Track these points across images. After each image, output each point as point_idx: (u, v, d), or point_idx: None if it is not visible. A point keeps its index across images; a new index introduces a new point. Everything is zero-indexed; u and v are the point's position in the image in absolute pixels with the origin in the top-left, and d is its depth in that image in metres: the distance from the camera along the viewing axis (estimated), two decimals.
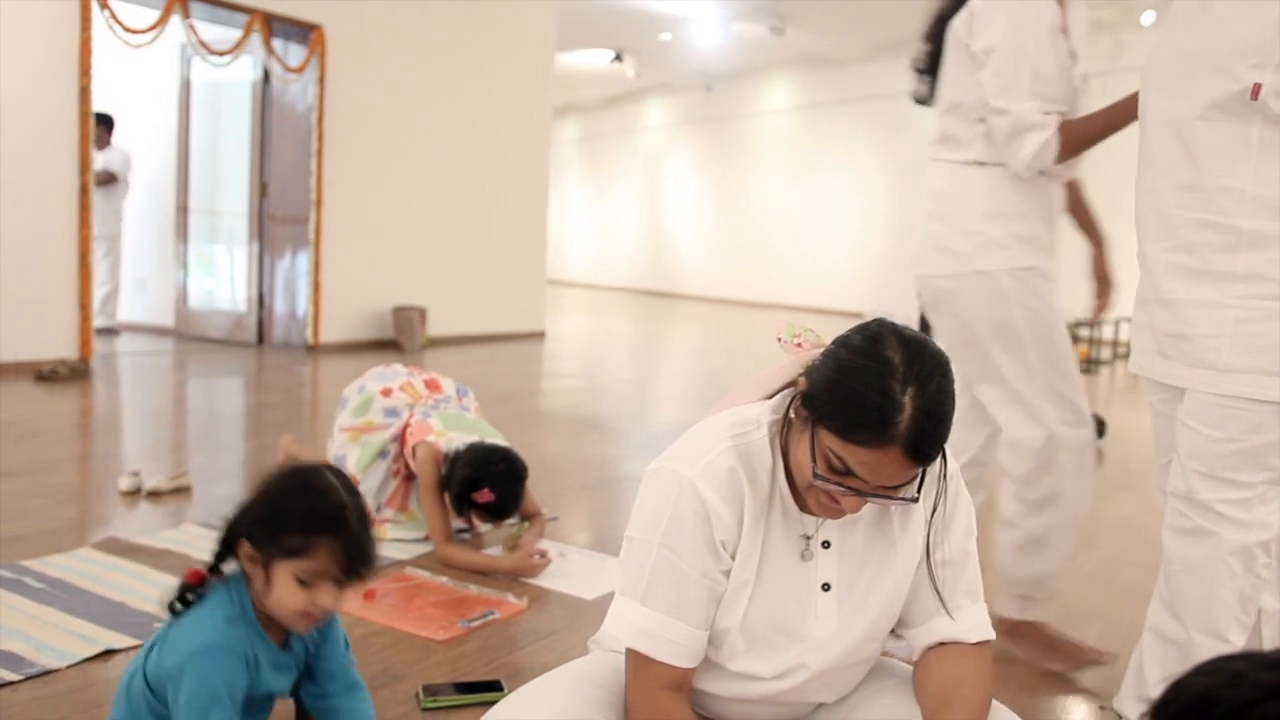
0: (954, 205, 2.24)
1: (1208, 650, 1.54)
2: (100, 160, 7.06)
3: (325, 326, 7.54)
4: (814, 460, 1.25)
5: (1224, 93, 1.45)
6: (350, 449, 3.07)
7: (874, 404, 1.19)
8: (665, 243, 19.63)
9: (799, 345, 1.40)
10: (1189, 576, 1.57)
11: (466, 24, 8.33)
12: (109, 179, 7.51)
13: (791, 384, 1.37)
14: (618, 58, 16.25)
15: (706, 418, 1.47)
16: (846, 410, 1.22)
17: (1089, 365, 9.08)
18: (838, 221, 15.83)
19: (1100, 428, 5.18)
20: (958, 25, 2.15)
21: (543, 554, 2.80)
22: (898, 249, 13.66)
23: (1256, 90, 1.41)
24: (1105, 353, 10.18)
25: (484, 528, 3.13)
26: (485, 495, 2.72)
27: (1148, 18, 11.82)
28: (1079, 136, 2.06)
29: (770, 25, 13.50)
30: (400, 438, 3.06)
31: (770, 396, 1.44)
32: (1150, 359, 1.64)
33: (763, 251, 17.25)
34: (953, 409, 1.26)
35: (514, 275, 9.18)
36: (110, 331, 7.67)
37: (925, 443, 1.21)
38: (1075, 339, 9.27)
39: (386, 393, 3.14)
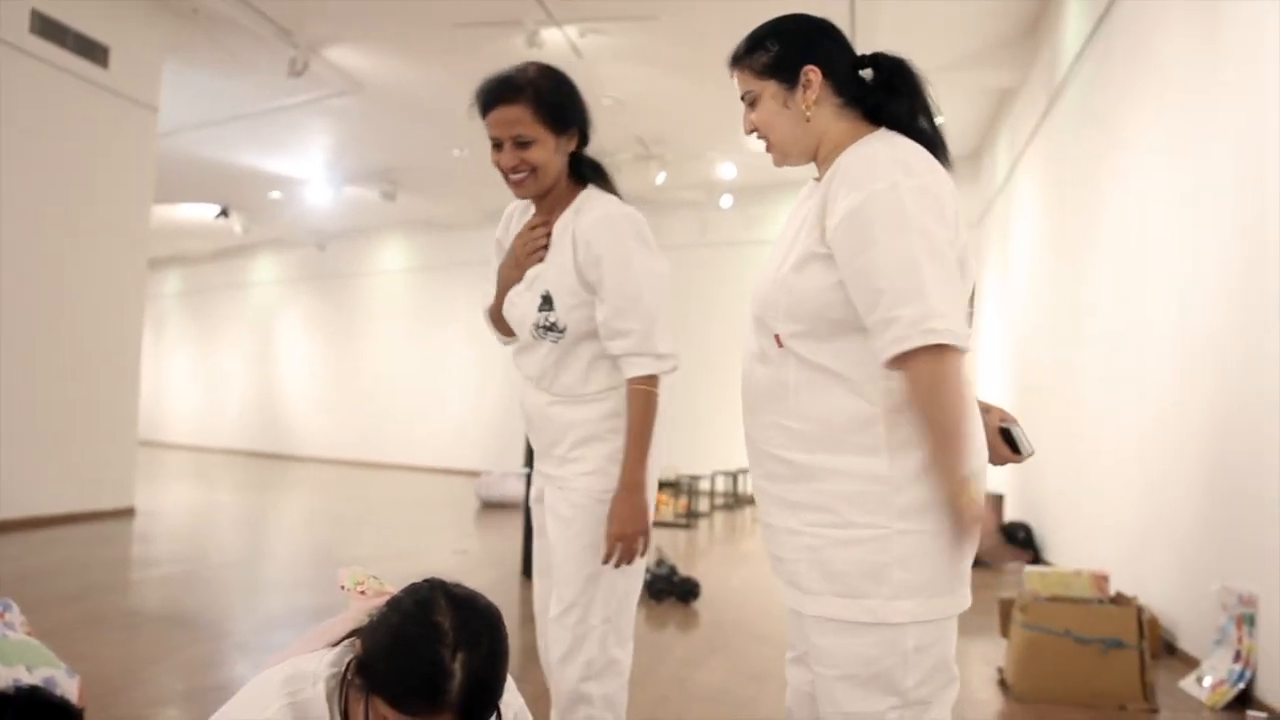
0: None
1: None
2: None
3: None
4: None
5: (761, 341, 1.62)
6: None
7: (425, 674, 1.21)
8: (277, 402, 18.80)
9: (362, 593, 1.40)
10: None
11: (51, 173, 7.67)
12: None
13: (355, 633, 1.35)
14: (224, 213, 15.70)
15: (266, 670, 1.40)
16: (399, 679, 1.23)
17: (688, 518, 9.63)
18: (453, 381, 16.00)
19: (694, 590, 5.44)
20: None
21: None
22: (512, 409, 13.94)
23: (779, 339, 1.57)
24: (704, 504, 10.87)
25: None
26: None
27: (726, 201, 13.26)
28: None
29: (381, 190, 13.69)
30: None
31: (335, 644, 1.40)
32: (772, 570, 1.70)
33: (378, 411, 17.00)
34: (505, 667, 1.30)
35: (100, 442, 8.27)
36: None
37: (477, 706, 1.24)
38: (676, 489, 9.86)
39: None
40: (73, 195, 7.94)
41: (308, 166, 13.38)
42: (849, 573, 1.50)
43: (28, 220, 7.52)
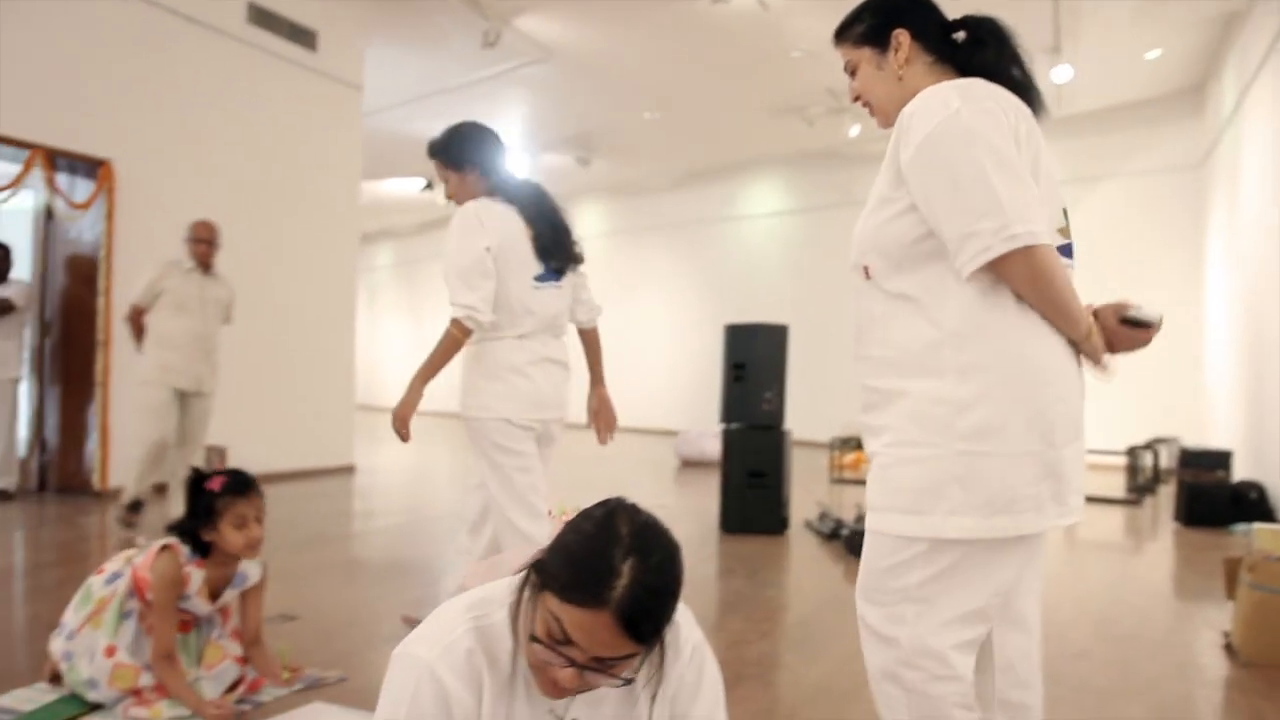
0: None
1: None
2: None
3: (114, 472, 7.09)
4: (534, 624, 1.29)
5: (857, 276, 1.75)
6: (91, 636, 2.76)
7: (592, 566, 1.24)
8: None
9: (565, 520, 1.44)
10: (875, 686, 1.71)
11: (268, 155, 8.23)
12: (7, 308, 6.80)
13: (536, 562, 1.40)
14: (428, 186, 16.36)
15: (453, 597, 1.47)
16: (568, 570, 1.26)
17: None
18: (651, 343, 16.18)
19: None
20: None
21: (220, 705, 2.71)
22: (709, 368, 14.06)
23: (867, 271, 1.70)
24: None
25: (266, 695, 2.93)
26: (216, 481, 2.79)
27: None
28: None
29: (576, 157, 13.93)
30: (135, 589, 2.84)
31: (519, 572, 1.45)
32: None
33: (578, 373, 17.38)
34: (675, 590, 1.31)
35: (321, 406, 8.91)
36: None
37: (639, 615, 1.24)
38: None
39: (100, 571, 2.93)
40: (289, 175, 8.48)
41: (505, 136, 13.54)
42: (911, 489, 1.60)
43: (250, 201, 8.08)
